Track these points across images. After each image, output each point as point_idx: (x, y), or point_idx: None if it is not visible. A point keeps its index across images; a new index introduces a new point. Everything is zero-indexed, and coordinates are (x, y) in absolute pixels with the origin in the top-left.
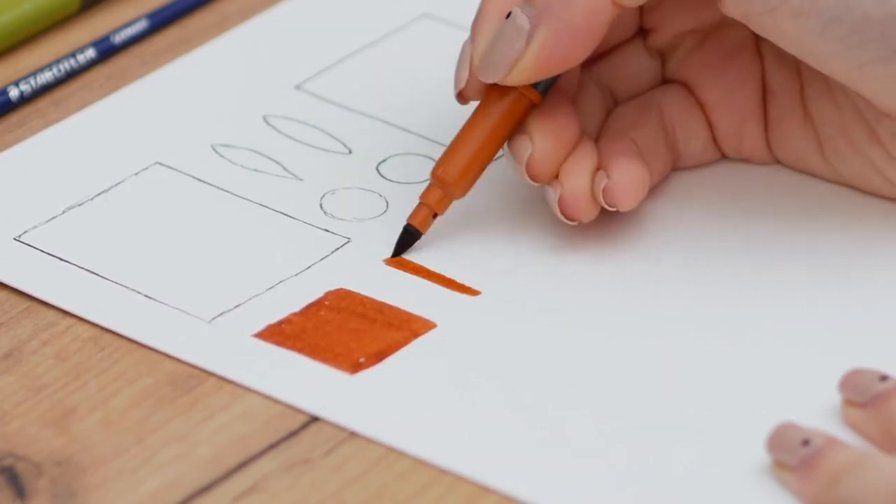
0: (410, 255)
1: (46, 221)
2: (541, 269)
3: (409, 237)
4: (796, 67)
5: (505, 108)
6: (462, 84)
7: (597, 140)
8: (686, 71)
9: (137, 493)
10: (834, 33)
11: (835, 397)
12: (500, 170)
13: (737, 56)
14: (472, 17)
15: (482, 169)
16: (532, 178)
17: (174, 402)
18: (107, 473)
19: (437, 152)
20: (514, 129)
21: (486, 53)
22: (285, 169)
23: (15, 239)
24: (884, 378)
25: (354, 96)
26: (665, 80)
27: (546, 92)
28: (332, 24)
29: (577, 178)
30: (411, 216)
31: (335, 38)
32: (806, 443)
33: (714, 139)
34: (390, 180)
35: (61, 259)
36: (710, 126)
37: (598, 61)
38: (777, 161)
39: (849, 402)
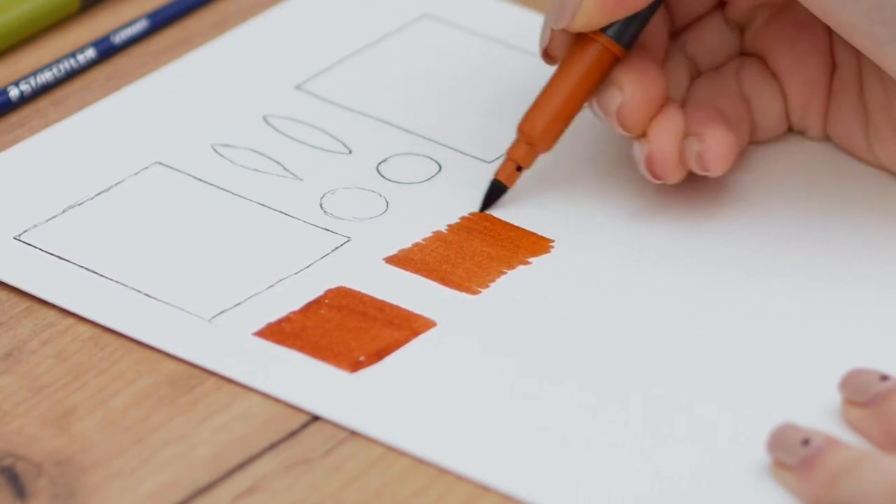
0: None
1: (46, 221)
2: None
3: (495, 191)
4: None
5: (589, 62)
6: (546, 42)
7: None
8: (761, 42)
9: (137, 493)
10: (858, 5)
11: (835, 397)
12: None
13: (808, 28)
14: (473, 17)
15: (567, 123)
16: (623, 127)
17: (174, 402)
18: (107, 473)
19: (438, 152)
20: (599, 84)
21: (554, 2)
22: (285, 169)
23: (15, 238)
24: (884, 378)
25: (354, 96)
26: (742, 53)
27: (629, 47)
28: (332, 24)
29: (667, 138)
30: (498, 171)
31: (335, 38)
32: (806, 443)
33: (785, 111)
34: (390, 180)
35: (61, 258)
36: (783, 96)
37: (681, 33)
38: (827, 138)
39: (849, 402)
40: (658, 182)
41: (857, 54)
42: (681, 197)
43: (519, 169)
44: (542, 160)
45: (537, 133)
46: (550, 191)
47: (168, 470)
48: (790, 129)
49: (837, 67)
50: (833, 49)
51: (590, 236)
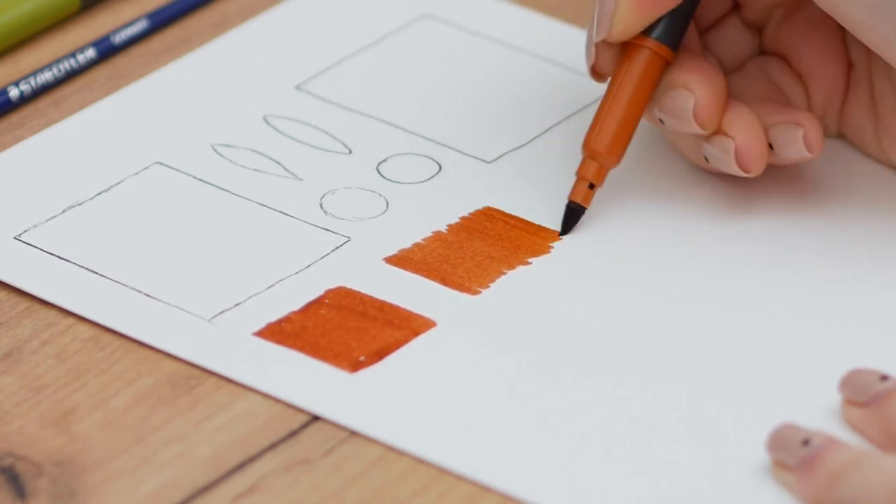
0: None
1: (46, 221)
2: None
3: (573, 214)
4: None
5: (641, 70)
6: (592, 59)
7: None
8: (780, 42)
9: (137, 493)
10: (863, 1)
11: (835, 397)
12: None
13: (822, 26)
14: (473, 17)
15: (631, 134)
16: (701, 125)
17: (174, 402)
18: (107, 473)
19: (438, 152)
20: (654, 89)
21: (594, 17)
22: (285, 169)
23: (15, 238)
24: (884, 378)
25: (354, 96)
26: (762, 52)
27: (676, 49)
28: (332, 24)
29: (749, 130)
30: (572, 193)
31: (335, 39)
32: (806, 443)
33: (808, 107)
34: (390, 180)
35: (61, 258)
36: (806, 94)
37: (704, 35)
38: (839, 133)
39: (849, 402)
40: (745, 175)
41: (868, 51)
42: (679, 197)
43: (591, 187)
44: (543, 160)
45: (604, 149)
46: (550, 191)
47: (168, 470)
48: None
49: (853, 66)
50: (848, 48)
51: (590, 236)
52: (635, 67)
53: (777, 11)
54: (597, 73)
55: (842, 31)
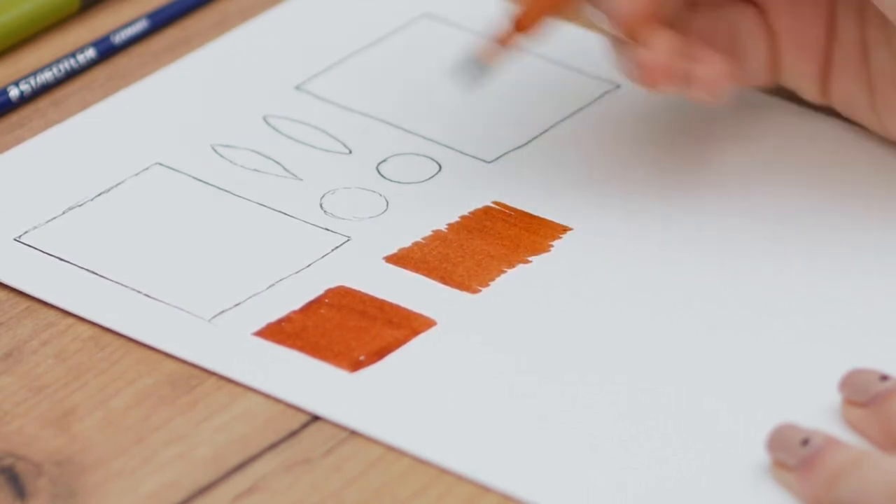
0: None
1: (46, 222)
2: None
3: (470, 63)
4: (863, 13)
5: None
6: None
7: None
8: None
9: (137, 493)
10: None
11: (835, 397)
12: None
13: None
14: (473, 17)
15: (552, 12)
16: (613, 22)
17: (174, 402)
18: (107, 473)
19: (438, 152)
20: None
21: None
22: (285, 169)
23: (15, 239)
24: (884, 378)
25: (354, 96)
26: None
27: None
28: (332, 24)
29: (661, 46)
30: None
31: (335, 39)
32: (805, 442)
33: (774, 65)
34: (390, 180)
35: (61, 259)
36: (774, 52)
37: None
38: (827, 102)
39: (849, 402)
40: (649, 89)
41: (861, 24)
42: (681, 194)
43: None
44: (543, 160)
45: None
46: (550, 191)
47: (168, 470)
48: (782, 87)
49: (838, 34)
50: (835, 16)
51: (590, 235)
52: None
53: None
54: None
55: (832, 1)
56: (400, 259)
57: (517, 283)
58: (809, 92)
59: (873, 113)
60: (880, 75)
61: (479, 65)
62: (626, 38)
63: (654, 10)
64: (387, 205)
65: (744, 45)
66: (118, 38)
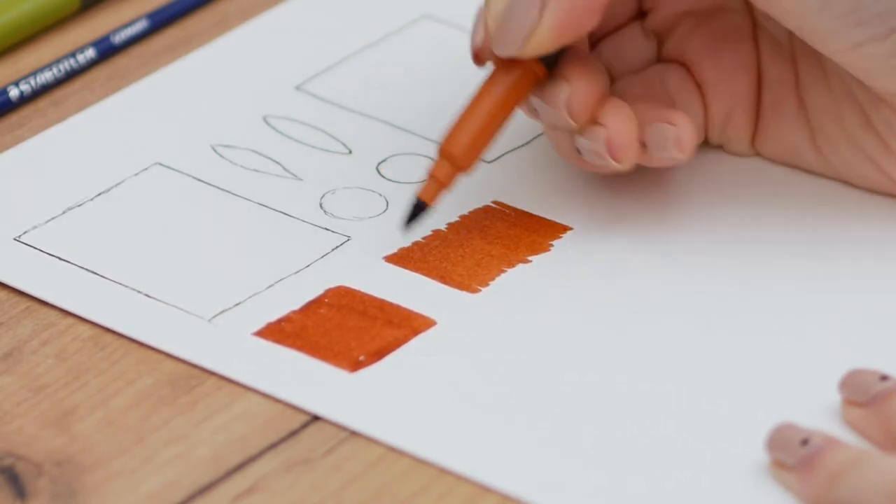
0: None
1: (46, 222)
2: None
3: (417, 210)
4: (792, 56)
5: (512, 82)
6: (479, 43)
7: None
8: (684, 51)
9: (137, 493)
10: (833, 10)
11: (835, 397)
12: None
13: (733, 41)
14: (473, 17)
15: (488, 143)
16: (572, 116)
17: (174, 402)
18: (107, 473)
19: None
20: (519, 103)
21: (501, 26)
22: (285, 169)
23: (15, 239)
24: (884, 378)
25: (354, 96)
26: (662, 60)
27: (552, 67)
28: (332, 24)
29: (622, 121)
30: (421, 190)
31: (335, 39)
32: (805, 442)
33: (704, 121)
34: (390, 180)
35: (61, 259)
36: (707, 106)
37: (598, 42)
38: (756, 153)
39: (849, 402)
40: (615, 166)
41: (792, 67)
42: (679, 197)
43: (443, 189)
44: (543, 159)
45: (459, 153)
46: (550, 190)
47: (168, 470)
48: (706, 142)
49: (767, 82)
50: (761, 64)
51: (590, 235)
52: (508, 79)
53: (686, 20)
54: (479, 59)
55: (755, 47)
56: (400, 259)
57: (517, 282)
58: (736, 143)
59: (816, 152)
60: (819, 113)
61: (422, 205)
62: (579, 124)
63: (607, 89)
64: (387, 205)
65: (679, 102)
66: (118, 38)
